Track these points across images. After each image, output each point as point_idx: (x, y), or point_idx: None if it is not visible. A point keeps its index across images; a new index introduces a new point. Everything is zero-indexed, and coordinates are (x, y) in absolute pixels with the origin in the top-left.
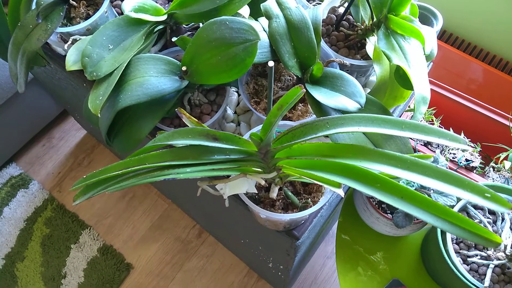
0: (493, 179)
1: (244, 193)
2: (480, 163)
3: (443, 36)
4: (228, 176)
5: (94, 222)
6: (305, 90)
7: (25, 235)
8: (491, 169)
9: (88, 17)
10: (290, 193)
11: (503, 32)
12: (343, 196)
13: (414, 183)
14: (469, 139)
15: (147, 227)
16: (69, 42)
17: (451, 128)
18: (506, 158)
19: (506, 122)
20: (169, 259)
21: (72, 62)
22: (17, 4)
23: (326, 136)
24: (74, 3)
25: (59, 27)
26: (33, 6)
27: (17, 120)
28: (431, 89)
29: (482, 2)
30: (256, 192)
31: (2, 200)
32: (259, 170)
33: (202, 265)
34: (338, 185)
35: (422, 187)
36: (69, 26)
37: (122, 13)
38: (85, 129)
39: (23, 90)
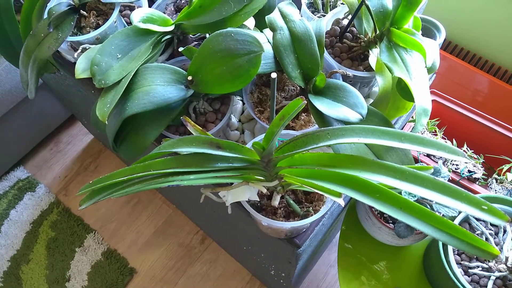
0: (495, 190)
1: (246, 201)
2: (483, 174)
3: (448, 47)
4: (231, 184)
5: (99, 226)
6: (306, 102)
7: (30, 238)
8: (494, 180)
9: (97, 26)
10: (291, 201)
11: (508, 44)
12: (343, 205)
13: (415, 194)
14: (472, 150)
15: (151, 232)
16: (79, 50)
17: (454, 139)
18: (509, 170)
19: (510, 134)
20: (172, 264)
21: (81, 70)
22: (29, 13)
23: (329, 146)
24: (85, 13)
25: (70, 36)
26: (45, 16)
27: (26, 124)
28: (434, 100)
29: (487, 14)
30: (258, 200)
31: (9, 202)
32: (261, 178)
33: (205, 271)
34: (338, 195)
35: (423, 198)
36: (79, 35)
37: (130, 23)
38: (92, 134)
39: (33, 97)
